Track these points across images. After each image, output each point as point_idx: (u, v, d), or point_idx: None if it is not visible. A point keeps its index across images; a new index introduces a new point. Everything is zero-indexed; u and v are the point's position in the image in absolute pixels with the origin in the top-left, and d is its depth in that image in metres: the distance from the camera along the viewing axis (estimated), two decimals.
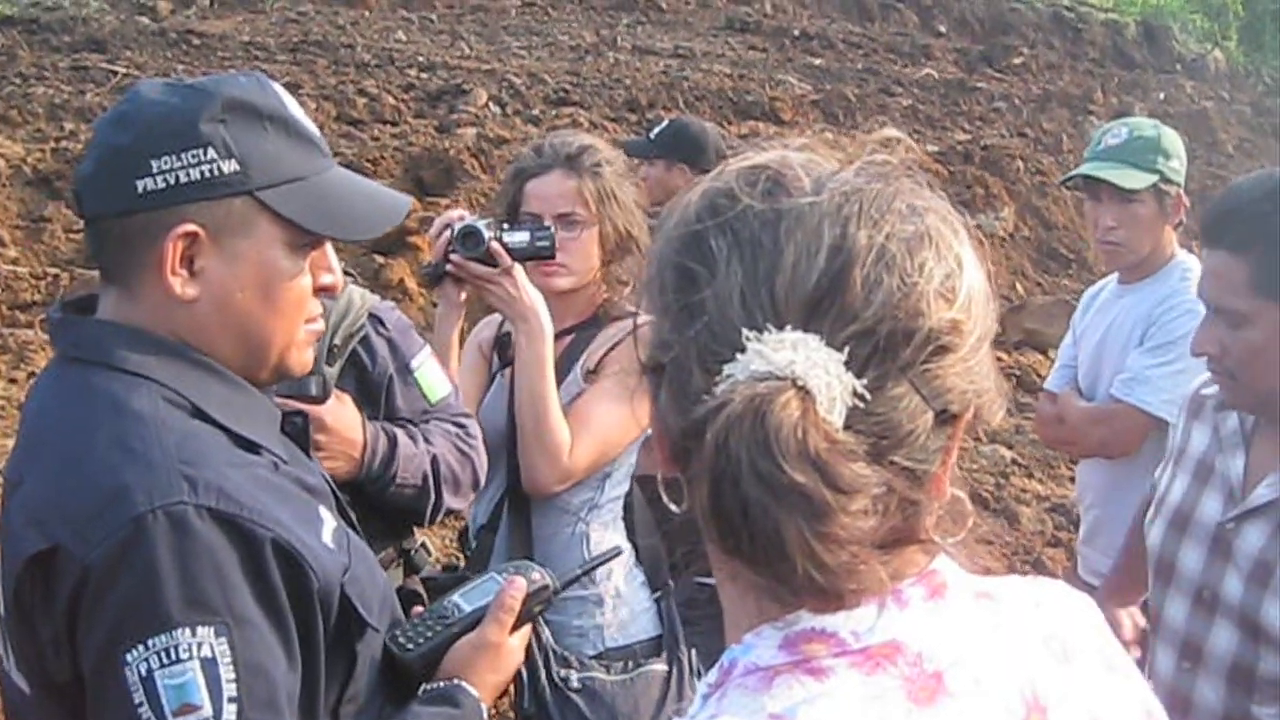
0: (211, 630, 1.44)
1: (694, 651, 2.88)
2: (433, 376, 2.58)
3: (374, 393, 2.49)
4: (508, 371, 2.95)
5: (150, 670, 1.42)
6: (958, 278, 0.94)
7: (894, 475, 0.91)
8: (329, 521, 1.63)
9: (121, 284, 1.61)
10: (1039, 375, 7.69)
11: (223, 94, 1.59)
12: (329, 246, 1.73)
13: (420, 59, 11.66)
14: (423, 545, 2.63)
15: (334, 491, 1.77)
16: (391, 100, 10.31)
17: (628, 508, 2.93)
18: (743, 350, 0.89)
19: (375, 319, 2.51)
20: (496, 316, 3.06)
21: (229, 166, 1.57)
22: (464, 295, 2.80)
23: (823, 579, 0.87)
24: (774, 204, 0.94)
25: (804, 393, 0.87)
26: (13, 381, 6.64)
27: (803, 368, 0.87)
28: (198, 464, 1.50)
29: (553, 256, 2.79)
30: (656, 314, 0.98)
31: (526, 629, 1.84)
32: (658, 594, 2.92)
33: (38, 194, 8.28)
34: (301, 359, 1.69)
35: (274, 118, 1.61)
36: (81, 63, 10.64)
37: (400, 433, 2.47)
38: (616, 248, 2.90)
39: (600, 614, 2.86)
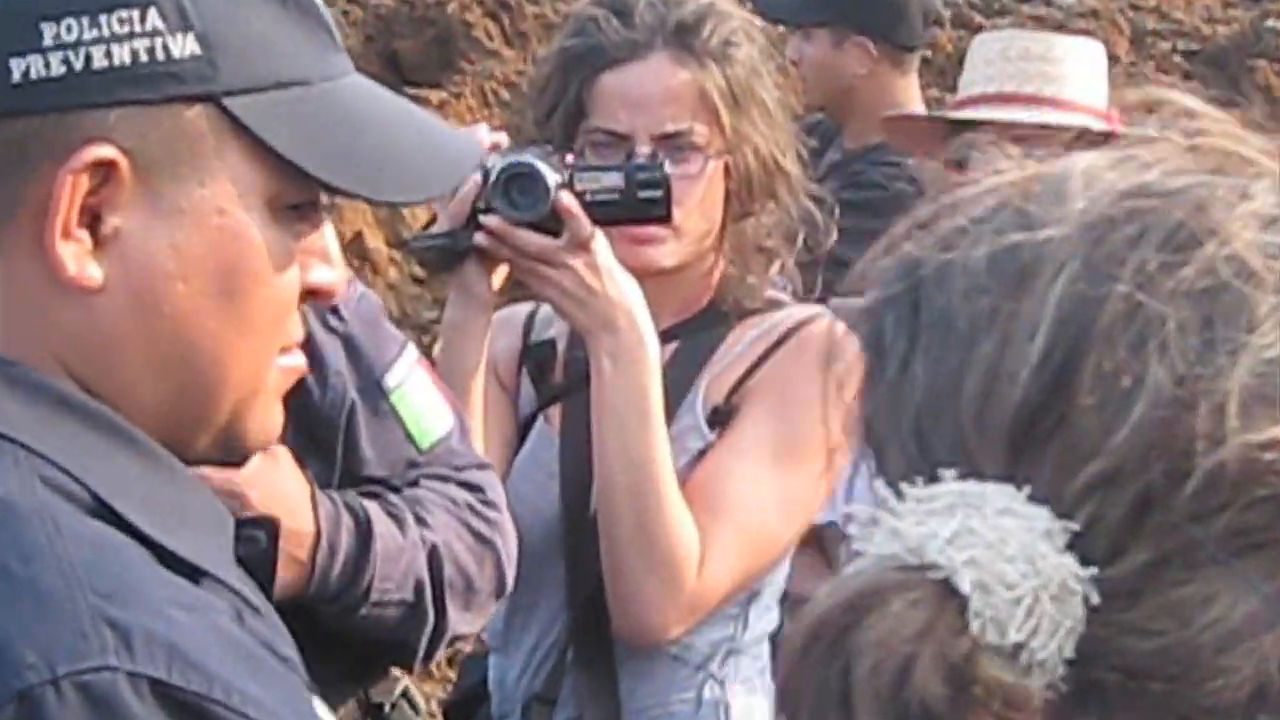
0: None
1: None
2: (420, 401, 2.29)
3: (324, 436, 2.23)
4: (555, 413, 2.55)
5: None
6: None
7: None
8: (326, 717, 1.55)
9: None
10: None
11: None
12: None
13: None
14: (404, 695, 2.38)
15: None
16: None
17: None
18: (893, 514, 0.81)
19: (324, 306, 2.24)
20: (517, 314, 2.64)
21: (182, 46, 1.38)
22: (497, 284, 2.39)
23: None
24: (990, 250, 0.79)
25: (945, 593, 0.73)
26: None
27: (946, 550, 0.73)
28: (125, 600, 1.32)
29: (667, 216, 2.34)
30: None
31: None
32: None
33: None
34: (267, 420, 1.50)
35: None
36: None
37: (375, 509, 2.18)
38: (756, 190, 2.44)
39: None
